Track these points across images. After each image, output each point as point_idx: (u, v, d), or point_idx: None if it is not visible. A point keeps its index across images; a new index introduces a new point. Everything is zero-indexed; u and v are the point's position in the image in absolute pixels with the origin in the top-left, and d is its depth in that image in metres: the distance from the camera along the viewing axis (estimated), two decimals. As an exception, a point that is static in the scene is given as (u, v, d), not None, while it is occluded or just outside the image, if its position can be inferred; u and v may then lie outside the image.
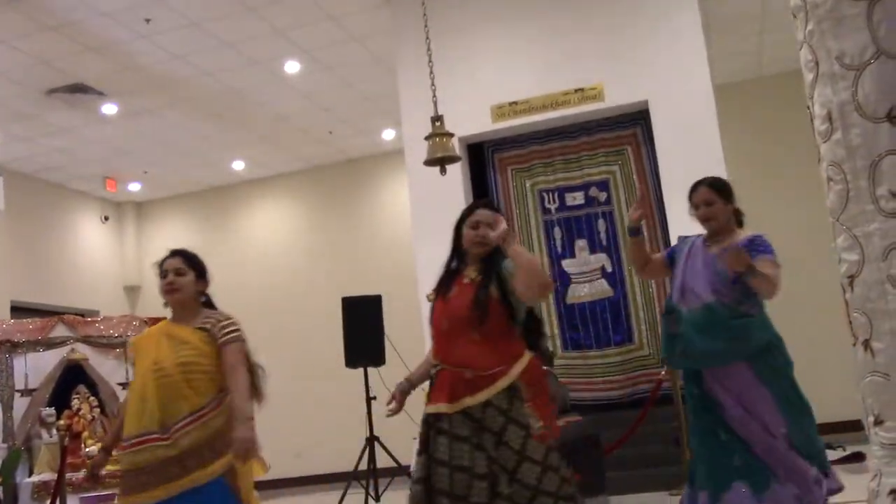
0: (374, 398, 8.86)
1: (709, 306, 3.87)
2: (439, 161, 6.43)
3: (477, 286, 3.48)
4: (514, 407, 3.30)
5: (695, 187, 4.18)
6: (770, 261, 3.89)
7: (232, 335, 3.82)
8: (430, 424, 3.41)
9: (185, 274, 3.93)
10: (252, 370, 3.83)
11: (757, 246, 3.91)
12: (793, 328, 10.75)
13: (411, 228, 9.11)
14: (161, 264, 3.99)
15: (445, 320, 3.54)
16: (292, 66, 10.21)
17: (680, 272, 4.08)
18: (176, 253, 4.03)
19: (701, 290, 3.94)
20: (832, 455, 8.09)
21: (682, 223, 8.20)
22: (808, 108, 2.18)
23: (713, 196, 4.10)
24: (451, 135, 6.56)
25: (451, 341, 3.46)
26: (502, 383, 3.32)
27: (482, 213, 3.70)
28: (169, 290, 3.90)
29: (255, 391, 3.79)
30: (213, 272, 14.52)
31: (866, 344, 2.01)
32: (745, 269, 3.68)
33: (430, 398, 3.46)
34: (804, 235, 10.76)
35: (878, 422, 1.99)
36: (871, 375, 2.01)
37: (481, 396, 3.30)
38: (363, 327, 8.69)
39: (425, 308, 8.98)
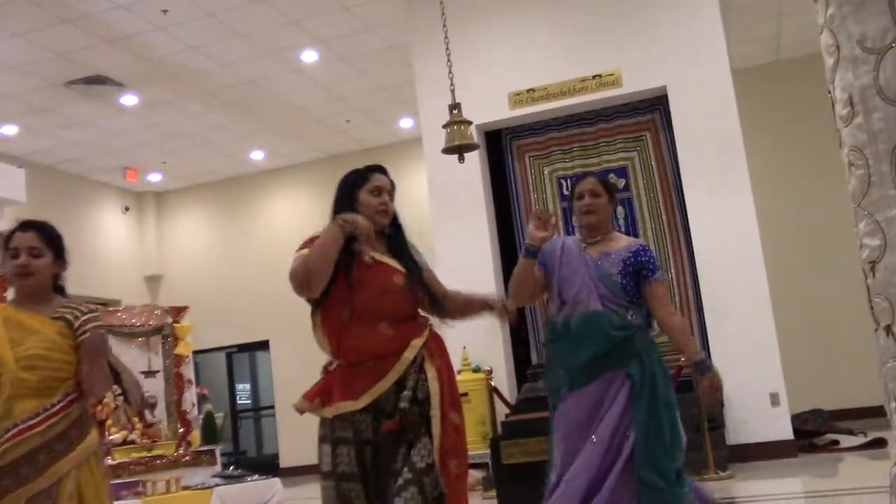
0: (394, 386, 8.89)
1: (595, 314, 3.47)
2: (457, 149, 6.43)
3: (405, 274, 3.06)
4: (419, 381, 2.99)
5: (580, 178, 3.81)
6: (662, 286, 3.56)
7: (96, 329, 3.13)
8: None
9: (42, 255, 3.12)
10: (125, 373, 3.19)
11: (649, 262, 3.54)
12: (816, 313, 10.78)
13: (430, 216, 9.13)
14: (8, 239, 3.11)
15: (364, 306, 3.01)
16: (308, 56, 10.23)
17: (557, 281, 3.61)
18: (29, 226, 3.14)
19: (585, 297, 3.52)
20: (854, 441, 8.07)
21: (702, 210, 8.21)
22: (829, 92, 2.17)
23: (600, 189, 3.67)
24: (469, 122, 6.55)
25: (364, 329, 3.00)
26: (408, 354, 2.97)
27: (382, 179, 3.20)
28: (21, 274, 3.08)
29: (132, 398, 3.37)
30: (232, 260, 14.77)
31: (888, 329, 2.00)
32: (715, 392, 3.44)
33: (332, 397, 3.06)
34: (825, 221, 10.70)
35: (901, 407, 1.99)
36: (892, 361, 2.01)
37: (390, 378, 2.96)
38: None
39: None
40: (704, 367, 3.53)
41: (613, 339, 3.46)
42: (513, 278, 3.65)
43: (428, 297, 3.12)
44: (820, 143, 10.13)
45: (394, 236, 3.18)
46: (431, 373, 3.00)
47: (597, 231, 3.64)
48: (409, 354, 2.97)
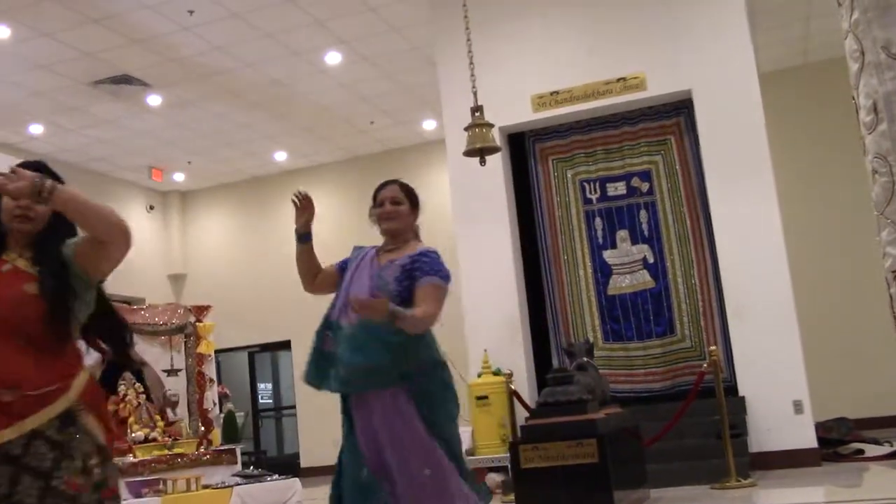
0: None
1: (366, 322, 3.30)
2: (478, 152, 6.42)
3: (37, 279, 2.48)
4: (72, 436, 2.40)
5: (383, 185, 3.79)
6: (432, 285, 3.40)
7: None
8: None
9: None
10: None
11: (423, 264, 3.44)
12: (841, 320, 10.65)
13: (452, 219, 9.11)
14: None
15: None
16: (333, 57, 10.25)
17: (345, 284, 3.58)
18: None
19: None
20: (880, 450, 7.97)
21: (726, 214, 8.14)
22: (853, 98, 2.13)
23: (402, 196, 3.70)
24: (491, 125, 6.54)
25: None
26: (59, 406, 2.39)
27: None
28: None
29: None
30: (256, 260, 14.89)
31: (912, 340, 1.96)
32: (383, 317, 3.14)
33: None
34: (851, 227, 10.57)
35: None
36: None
37: (28, 425, 2.33)
38: (403, 317, 8.73)
39: (465, 298, 9.02)
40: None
41: (391, 345, 3.30)
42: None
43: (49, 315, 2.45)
44: (847, 148, 10.00)
45: (43, 242, 2.58)
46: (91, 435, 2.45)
47: (396, 238, 3.65)
48: (60, 405, 2.39)
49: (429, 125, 12.67)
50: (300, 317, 13.77)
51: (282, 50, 9.91)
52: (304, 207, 3.83)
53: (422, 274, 3.41)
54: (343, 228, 13.97)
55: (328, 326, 3.52)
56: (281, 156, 13.60)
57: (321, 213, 15.04)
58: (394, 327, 3.24)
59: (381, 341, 3.30)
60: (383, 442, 3.35)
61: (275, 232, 14.22)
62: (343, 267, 3.73)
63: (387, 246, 3.66)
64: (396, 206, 3.67)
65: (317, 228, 13.71)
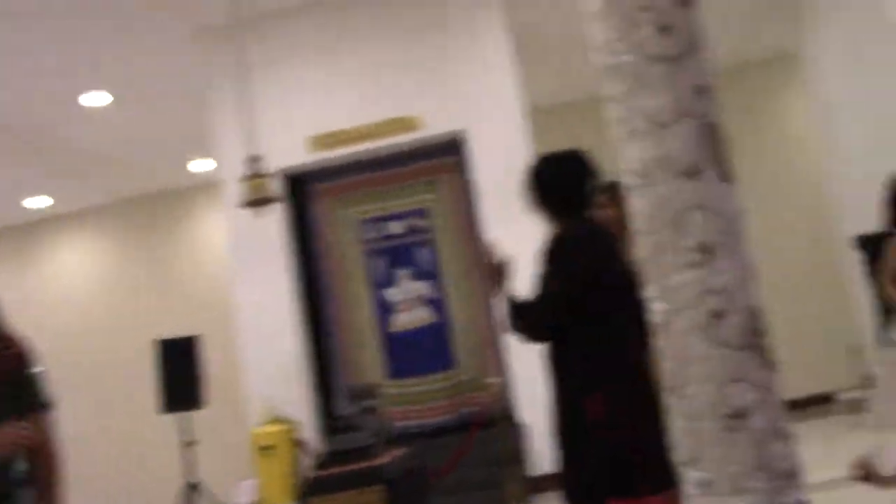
0: (195, 442, 8.53)
1: None
2: (255, 203, 6.28)
3: None
4: None
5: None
6: None
7: None
8: None
9: None
10: None
11: None
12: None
13: (228, 266, 8.84)
14: None
15: None
16: (99, 99, 9.70)
17: None
18: None
19: None
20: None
21: (506, 249, 8.39)
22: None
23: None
24: (268, 175, 6.42)
25: None
26: None
27: None
28: None
29: None
30: (13, 314, 13.44)
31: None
32: None
33: None
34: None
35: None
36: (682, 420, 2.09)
37: None
38: (179, 370, 8.37)
39: (243, 345, 8.72)
40: None
41: None
42: None
43: None
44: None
45: None
46: None
47: None
48: None
49: (203, 166, 12.27)
50: (59, 372, 12.77)
51: (38, 93, 9.25)
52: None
53: None
54: (112, 275, 13.17)
55: None
56: (40, 202, 12.67)
57: (86, 260, 14.05)
58: None
59: None
60: None
61: (34, 282, 13.20)
62: None
63: None
64: None
65: (84, 275, 12.92)
